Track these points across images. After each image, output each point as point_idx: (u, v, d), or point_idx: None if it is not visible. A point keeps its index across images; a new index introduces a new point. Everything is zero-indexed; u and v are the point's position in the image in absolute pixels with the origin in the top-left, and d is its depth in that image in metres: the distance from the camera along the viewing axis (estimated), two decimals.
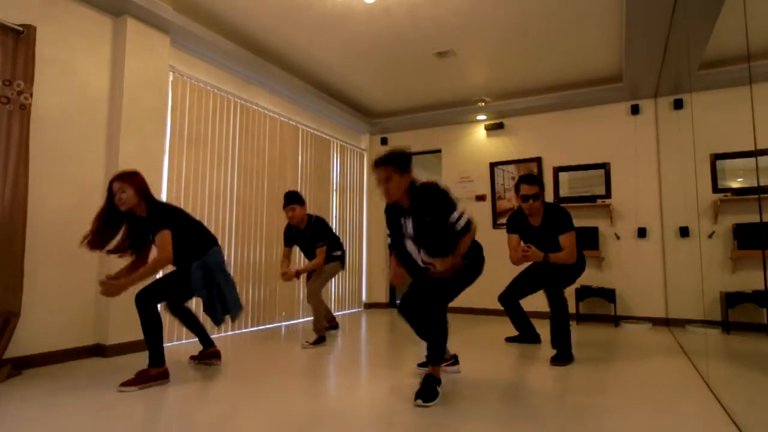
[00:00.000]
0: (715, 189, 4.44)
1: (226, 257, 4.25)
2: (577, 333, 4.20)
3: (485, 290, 5.57)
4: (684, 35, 3.38)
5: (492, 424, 1.86)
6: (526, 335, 3.62)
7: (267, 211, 4.65)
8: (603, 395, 2.27)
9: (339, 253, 3.83)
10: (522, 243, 3.23)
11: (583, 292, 4.79)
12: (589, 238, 4.93)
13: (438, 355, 2.31)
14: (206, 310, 2.71)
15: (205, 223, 3.95)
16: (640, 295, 4.86)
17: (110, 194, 2.52)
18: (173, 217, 2.60)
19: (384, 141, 6.50)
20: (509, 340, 3.69)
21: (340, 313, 5.65)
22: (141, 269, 2.50)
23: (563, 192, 5.31)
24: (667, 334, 4.17)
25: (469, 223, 2.22)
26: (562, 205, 5.12)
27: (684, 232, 4.61)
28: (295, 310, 4.98)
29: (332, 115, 5.66)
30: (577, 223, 4.94)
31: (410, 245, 2.36)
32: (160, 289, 2.55)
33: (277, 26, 3.88)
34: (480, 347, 3.50)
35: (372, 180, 6.50)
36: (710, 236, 4.43)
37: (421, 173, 8.23)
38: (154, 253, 2.56)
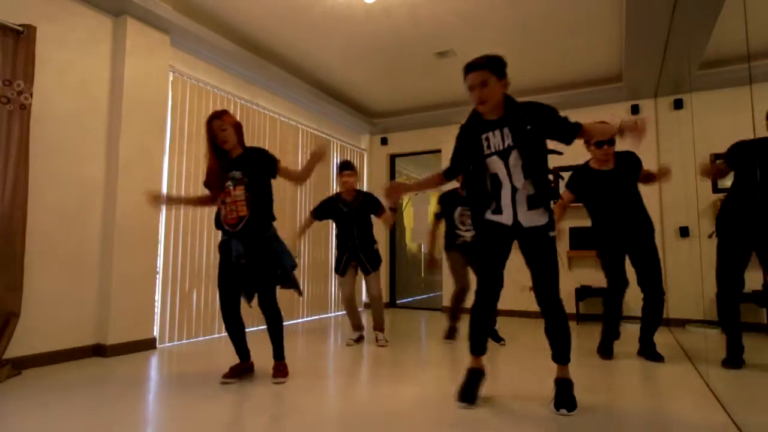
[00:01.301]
0: (715, 189, 4.44)
1: None
2: (578, 333, 4.20)
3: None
4: (684, 35, 3.38)
5: (490, 424, 1.85)
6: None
7: None
8: (603, 395, 2.27)
9: (377, 247, 3.71)
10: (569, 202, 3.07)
11: (583, 292, 4.79)
12: (590, 238, 4.92)
13: (566, 352, 2.07)
14: (287, 283, 2.58)
15: (206, 224, 3.99)
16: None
17: (211, 136, 2.49)
18: None
19: (384, 141, 6.50)
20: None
21: (340, 313, 5.65)
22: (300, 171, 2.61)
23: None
24: (667, 334, 4.17)
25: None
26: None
27: (684, 232, 4.60)
28: (294, 310, 4.98)
29: (332, 115, 5.66)
30: (578, 222, 4.95)
31: (497, 163, 2.01)
32: (271, 280, 2.49)
33: (277, 26, 3.88)
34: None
35: (373, 179, 6.51)
36: (710, 236, 4.42)
37: (421, 173, 8.21)
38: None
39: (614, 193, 2.99)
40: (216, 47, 3.88)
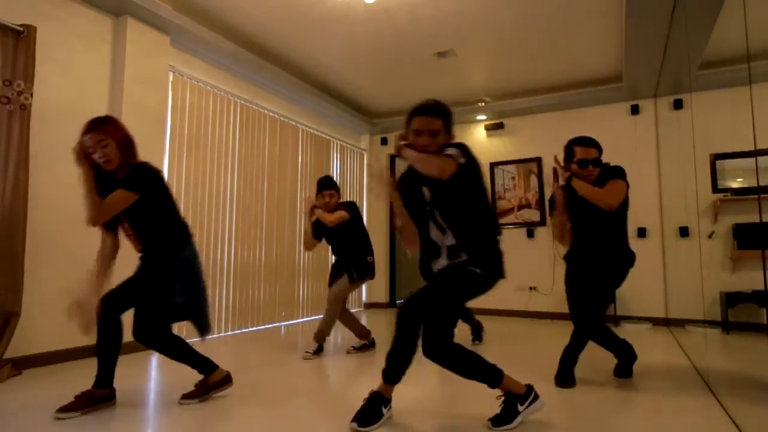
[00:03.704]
0: (715, 189, 4.44)
1: (225, 257, 4.29)
2: None
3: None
4: (684, 35, 3.38)
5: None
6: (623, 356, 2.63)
7: (267, 210, 4.65)
8: (603, 395, 2.27)
9: (371, 260, 3.45)
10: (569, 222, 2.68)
11: None
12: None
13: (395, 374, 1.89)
14: (194, 318, 2.21)
15: (205, 223, 3.99)
16: (640, 295, 4.86)
17: (85, 155, 1.97)
18: (154, 185, 2.02)
19: (384, 141, 6.50)
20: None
21: None
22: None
23: None
24: (667, 334, 4.17)
25: (451, 154, 1.74)
26: None
27: (684, 232, 4.61)
28: (294, 310, 4.99)
29: (332, 115, 5.66)
30: None
31: (428, 218, 1.94)
32: (151, 310, 2.11)
33: (277, 26, 3.88)
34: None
35: (373, 179, 6.50)
36: (710, 236, 4.43)
37: None
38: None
39: (585, 219, 2.65)
40: (216, 47, 3.88)
